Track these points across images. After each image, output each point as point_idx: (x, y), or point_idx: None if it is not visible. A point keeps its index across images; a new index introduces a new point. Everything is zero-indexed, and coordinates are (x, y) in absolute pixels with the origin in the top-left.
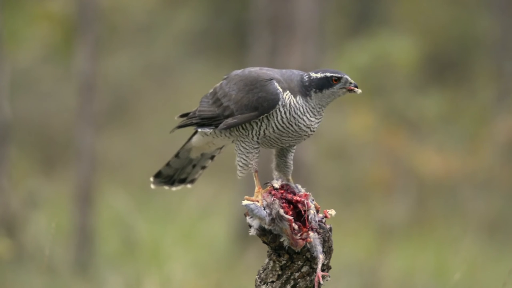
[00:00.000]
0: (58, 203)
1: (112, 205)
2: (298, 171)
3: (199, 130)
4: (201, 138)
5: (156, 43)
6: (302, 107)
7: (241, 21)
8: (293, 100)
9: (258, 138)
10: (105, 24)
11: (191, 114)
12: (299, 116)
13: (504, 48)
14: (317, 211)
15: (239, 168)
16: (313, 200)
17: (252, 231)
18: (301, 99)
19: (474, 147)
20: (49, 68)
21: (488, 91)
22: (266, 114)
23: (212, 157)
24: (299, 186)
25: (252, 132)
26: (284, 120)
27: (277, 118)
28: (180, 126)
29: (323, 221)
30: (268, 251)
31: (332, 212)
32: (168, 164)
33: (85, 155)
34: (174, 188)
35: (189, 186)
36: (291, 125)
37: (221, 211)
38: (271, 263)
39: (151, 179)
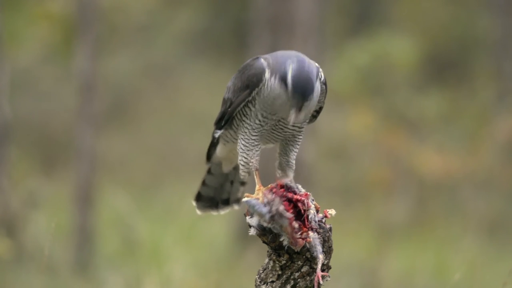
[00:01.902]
0: (58, 203)
1: (112, 205)
2: (298, 171)
3: (216, 135)
4: (223, 146)
5: (156, 43)
6: (275, 90)
7: (241, 21)
8: (270, 79)
9: (260, 121)
10: (105, 24)
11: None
12: (273, 98)
13: (504, 48)
14: (317, 211)
15: (241, 167)
16: (313, 200)
17: (252, 231)
18: (274, 81)
19: (474, 147)
20: (49, 68)
21: (488, 91)
22: (256, 90)
23: None
24: (299, 186)
25: (252, 116)
26: (267, 97)
27: (263, 94)
28: (210, 147)
29: (323, 221)
30: (268, 251)
31: (332, 212)
32: (204, 183)
33: (85, 155)
34: (222, 212)
35: (236, 207)
36: (274, 104)
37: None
38: (271, 263)
39: (194, 203)
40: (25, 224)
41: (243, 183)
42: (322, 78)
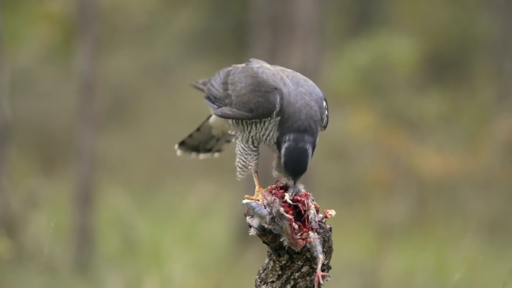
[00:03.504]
0: (58, 203)
1: (112, 205)
2: None
3: (207, 102)
4: (216, 118)
5: (156, 43)
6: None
7: (241, 21)
8: (271, 121)
9: (251, 144)
10: (105, 24)
11: (207, 80)
12: (268, 139)
13: (504, 48)
14: (317, 211)
15: (238, 169)
16: (313, 200)
17: (252, 231)
18: (273, 134)
19: (474, 147)
20: (49, 68)
21: (488, 91)
22: (257, 120)
23: None
24: (299, 186)
25: (244, 130)
26: (263, 133)
27: (261, 128)
28: (195, 86)
29: (323, 221)
30: (268, 251)
31: (332, 212)
32: (191, 136)
33: (85, 155)
34: (201, 156)
35: (216, 155)
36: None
37: (221, 211)
38: (271, 263)
39: (176, 146)
40: (25, 224)
41: (228, 141)
42: (324, 123)
